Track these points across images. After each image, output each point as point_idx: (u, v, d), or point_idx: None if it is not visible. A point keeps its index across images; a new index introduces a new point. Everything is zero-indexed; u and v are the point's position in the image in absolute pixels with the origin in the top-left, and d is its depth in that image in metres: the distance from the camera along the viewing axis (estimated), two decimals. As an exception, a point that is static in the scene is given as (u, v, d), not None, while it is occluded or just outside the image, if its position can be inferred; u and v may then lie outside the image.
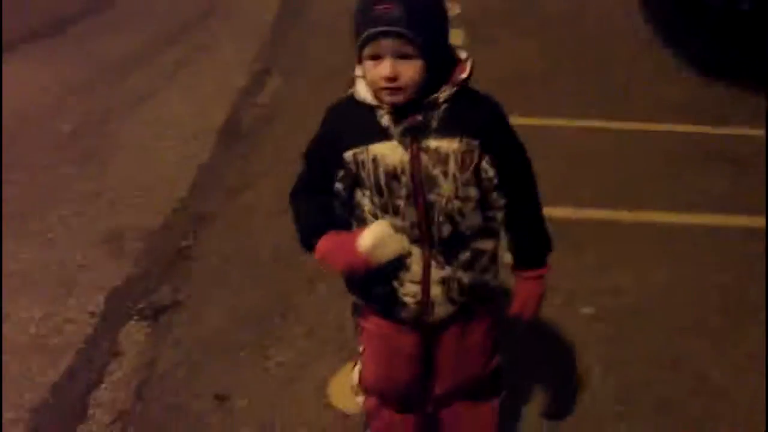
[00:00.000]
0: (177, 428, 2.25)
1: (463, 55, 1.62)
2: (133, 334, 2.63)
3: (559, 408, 2.26)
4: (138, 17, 5.22)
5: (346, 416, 2.25)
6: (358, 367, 1.99)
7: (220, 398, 2.34)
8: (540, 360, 2.45)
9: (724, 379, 2.36)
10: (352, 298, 1.87)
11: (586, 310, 2.65)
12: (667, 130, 3.66)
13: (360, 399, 2.04)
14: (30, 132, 3.84)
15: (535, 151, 1.73)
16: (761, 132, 3.62)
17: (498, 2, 4.92)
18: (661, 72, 4.17)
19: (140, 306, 2.75)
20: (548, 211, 1.75)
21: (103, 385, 2.41)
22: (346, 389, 2.23)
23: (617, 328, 2.58)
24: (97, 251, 3.06)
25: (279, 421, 2.25)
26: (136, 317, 2.70)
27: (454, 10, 3.96)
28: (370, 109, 1.59)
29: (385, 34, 1.46)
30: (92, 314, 2.72)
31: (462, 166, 1.60)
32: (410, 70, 1.49)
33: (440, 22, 1.55)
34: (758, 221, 3.04)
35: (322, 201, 1.69)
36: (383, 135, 1.58)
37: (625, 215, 3.10)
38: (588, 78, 4.15)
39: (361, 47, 1.50)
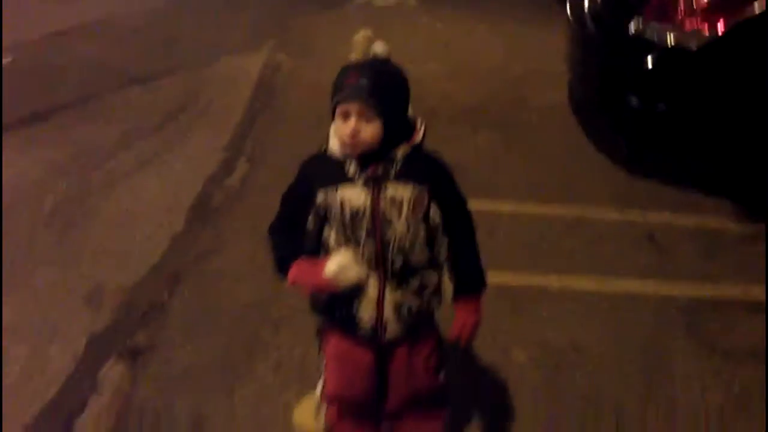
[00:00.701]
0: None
1: (419, 122, 2.03)
2: (112, 372, 2.86)
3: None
4: (120, 110, 5.59)
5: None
6: (321, 381, 2.28)
7: (194, 424, 2.60)
8: (479, 396, 2.78)
9: (638, 413, 2.75)
10: (316, 323, 2.20)
11: (521, 359, 2.97)
12: (597, 217, 4.08)
13: (322, 416, 2.33)
14: (12, 209, 4.08)
15: (481, 226, 2.12)
16: (683, 220, 4.08)
17: (451, 105, 5.47)
18: (591, 166, 4.65)
19: (118, 349, 2.98)
20: (489, 276, 2.11)
21: (85, 414, 2.64)
22: (308, 413, 2.50)
23: (547, 374, 2.92)
24: (78, 305, 3.28)
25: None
26: (114, 358, 2.93)
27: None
28: (340, 160, 1.96)
29: (352, 99, 1.87)
30: (74, 356, 2.95)
31: (413, 210, 1.96)
32: (369, 130, 1.87)
33: (400, 94, 1.93)
34: (673, 289, 3.45)
35: (295, 234, 2.02)
36: (350, 181, 1.93)
37: (554, 281, 3.48)
38: (527, 170, 4.62)
39: (334, 108, 1.90)
